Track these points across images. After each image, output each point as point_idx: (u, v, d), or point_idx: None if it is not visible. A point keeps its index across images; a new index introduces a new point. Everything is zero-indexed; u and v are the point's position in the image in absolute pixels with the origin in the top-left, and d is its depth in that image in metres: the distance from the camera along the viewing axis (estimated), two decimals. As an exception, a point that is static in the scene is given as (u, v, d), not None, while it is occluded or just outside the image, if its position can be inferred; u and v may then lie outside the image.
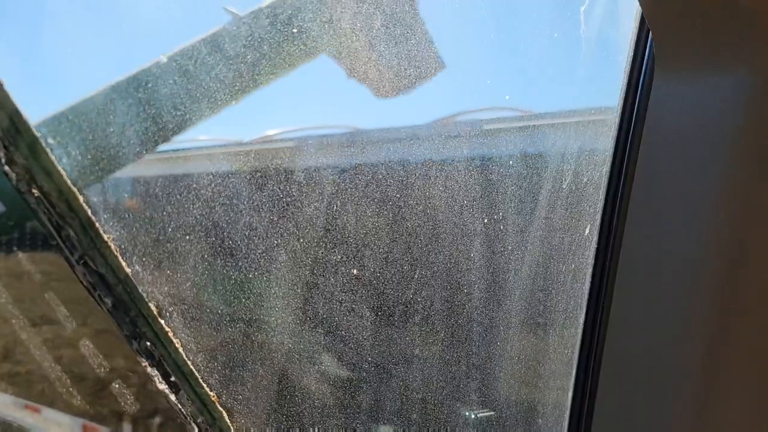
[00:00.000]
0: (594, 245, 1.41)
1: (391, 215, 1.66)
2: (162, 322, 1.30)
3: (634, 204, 1.23)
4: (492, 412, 1.68)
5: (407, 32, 1.66)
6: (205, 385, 1.38)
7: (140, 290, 1.25)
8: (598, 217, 1.40)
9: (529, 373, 1.69)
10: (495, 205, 1.65)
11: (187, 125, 1.43)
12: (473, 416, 1.69)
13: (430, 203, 1.67)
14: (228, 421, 1.43)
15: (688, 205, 1.08)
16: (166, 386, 1.31)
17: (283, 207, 1.58)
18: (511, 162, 1.67)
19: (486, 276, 1.65)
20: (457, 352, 1.69)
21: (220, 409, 1.41)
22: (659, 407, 1.19)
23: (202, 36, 1.44)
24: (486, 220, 1.63)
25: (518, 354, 1.67)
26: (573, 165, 1.56)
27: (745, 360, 1.09)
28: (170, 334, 1.32)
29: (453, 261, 1.68)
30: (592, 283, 1.45)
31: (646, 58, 1.28)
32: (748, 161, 1.00)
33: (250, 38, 1.46)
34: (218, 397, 1.39)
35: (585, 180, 1.47)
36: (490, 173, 1.70)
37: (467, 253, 1.67)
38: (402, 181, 1.67)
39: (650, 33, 1.21)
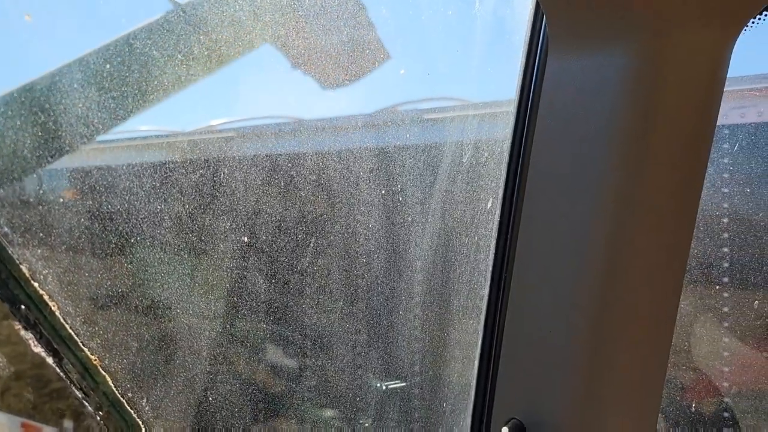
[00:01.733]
0: (497, 218, 1.47)
1: (307, 199, 1.67)
2: (36, 284, 1.26)
3: (532, 179, 1.29)
4: (401, 383, 1.73)
5: (351, 21, 1.66)
6: (86, 349, 1.34)
7: (10, 252, 1.20)
8: (500, 191, 1.46)
9: (435, 344, 1.75)
10: (400, 184, 1.69)
11: (125, 116, 1.39)
12: (383, 387, 1.73)
13: (344, 186, 1.69)
14: (112, 385, 1.40)
15: (579, 179, 1.14)
16: (43, 349, 1.27)
17: (188, 186, 1.56)
18: (419, 144, 1.72)
19: (392, 248, 1.69)
20: (361, 325, 1.73)
21: (103, 373, 1.38)
22: (556, 372, 1.25)
23: (143, 24, 1.40)
24: (393, 198, 1.67)
25: (424, 325, 1.73)
26: (473, 146, 1.62)
27: (629, 324, 1.17)
28: (45, 297, 1.28)
29: (359, 237, 1.71)
30: (495, 254, 1.50)
31: (541, 38, 1.33)
32: (619, 141, 1.08)
33: (191, 27, 1.43)
34: (101, 360, 1.37)
35: (486, 156, 1.52)
36: (399, 156, 1.74)
37: (372, 229, 1.70)
38: (321, 167, 1.68)
39: (543, 12, 1.26)
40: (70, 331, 1.31)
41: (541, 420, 1.26)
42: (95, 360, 1.35)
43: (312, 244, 1.67)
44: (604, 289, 1.16)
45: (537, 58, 1.36)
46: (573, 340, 1.20)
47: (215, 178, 1.59)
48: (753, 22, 1.20)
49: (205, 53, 1.47)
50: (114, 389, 1.40)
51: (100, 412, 1.35)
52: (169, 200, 1.53)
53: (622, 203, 1.11)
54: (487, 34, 1.72)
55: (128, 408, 1.40)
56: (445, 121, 1.83)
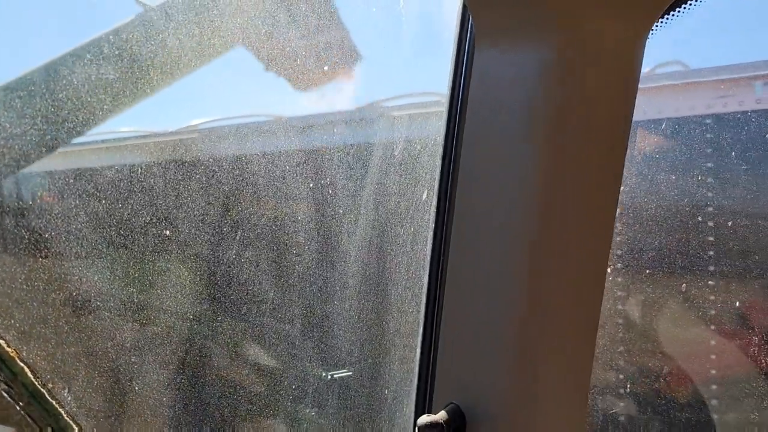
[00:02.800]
0: (433, 209, 1.50)
1: (239, 197, 1.67)
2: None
3: (463, 170, 1.32)
4: (345, 372, 1.76)
5: (323, 23, 1.66)
6: (1, 341, 1.31)
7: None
8: (436, 183, 1.49)
9: (376, 333, 1.78)
10: (329, 178, 1.71)
11: (100, 118, 1.37)
12: (327, 377, 1.76)
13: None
14: (31, 376, 1.38)
15: (506, 169, 1.18)
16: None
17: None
18: (351, 142, 1.75)
19: (326, 241, 1.71)
20: (301, 317, 1.75)
21: (21, 364, 1.36)
22: (491, 357, 1.29)
23: (113, 27, 1.38)
24: (323, 192, 1.68)
25: (363, 314, 1.76)
26: (405, 140, 1.66)
27: (558, 308, 1.22)
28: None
29: (292, 231, 1.72)
30: (433, 244, 1.53)
31: (469, 34, 1.37)
32: (539, 133, 1.13)
33: (163, 29, 1.41)
34: (18, 353, 1.34)
35: (419, 149, 1.56)
36: (329, 152, 1.76)
37: (304, 223, 1.71)
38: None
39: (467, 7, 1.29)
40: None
41: (479, 403, 1.29)
42: (12, 352, 1.33)
43: (245, 238, 1.67)
44: (532, 276, 1.21)
45: (466, 54, 1.39)
46: (506, 326, 1.24)
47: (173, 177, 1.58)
48: (665, 18, 1.27)
49: (176, 56, 1.46)
50: (33, 380, 1.38)
51: (20, 403, 1.33)
52: (88, 197, 1.51)
53: (545, 192, 1.16)
54: (418, 33, 1.76)
55: (48, 398, 1.39)
56: (378, 119, 1.86)
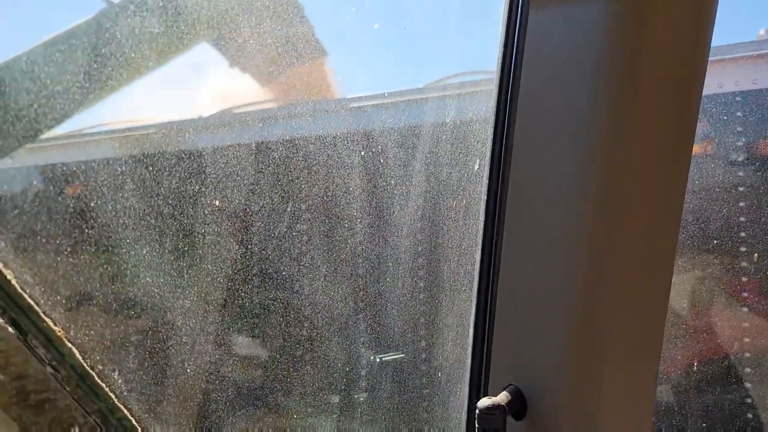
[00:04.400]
0: (485, 180, 1.42)
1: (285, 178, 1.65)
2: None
3: (518, 136, 1.24)
4: (395, 355, 1.71)
5: (289, 21, 1.63)
6: (47, 320, 1.29)
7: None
8: (488, 151, 1.41)
9: (428, 313, 1.72)
10: (380, 146, 1.68)
11: (62, 115, 1.37)
12: (377, 360, 1.71)
13: (314, 165, 1.68)
14: (80, 357, 1.35)
15: (566, 130, 1.10)
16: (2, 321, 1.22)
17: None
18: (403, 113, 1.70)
19: (378, 216, 1.67)
20: (351, 298, 1.71)
21: (69, 344, 1.33)
22: (551, 337, 1.23)
23: (77, 23, 1.36)
24: (375, 161, 1.65)
25: (414, 294, 1.70)
26: (456, 107, 1.59)
27: (622, 284, 1.14)
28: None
29: (344, 207, 1.69)
30: (486, 217, 1.46)
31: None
32: (606, 88, 1.03)
33: (126, 26, 1.39)
34: (65, 332, 1.32)
35: (470, 116, 1.48)
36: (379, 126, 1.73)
37: (355, 197, 1.68)
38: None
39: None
40: (29, 300, 1.25)
41: (540, 385, 1.23)
42: (59, 332, 1.30)
43: (297, 214, 1.64)
44: (596, 250, 1.13)
45: (519, 14, 1.30)
46: (567, 303, 1.17)
47: (173, 170, 1.57)
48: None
49: (142, 52, 1.44)
50: (82, 361, 1.35)
51: (68, 386, 1.30)
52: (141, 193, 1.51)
53: (610, 163, 1.07)
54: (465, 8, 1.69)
55: (98, 380, 1.36)
56: (427, 90, 1.81)
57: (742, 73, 2.31)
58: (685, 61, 1.09)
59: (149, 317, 1.59)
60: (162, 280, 1.57)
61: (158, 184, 1.53)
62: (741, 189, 2.26)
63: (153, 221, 1.52)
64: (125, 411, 1.44)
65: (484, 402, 1.09)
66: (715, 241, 2.22)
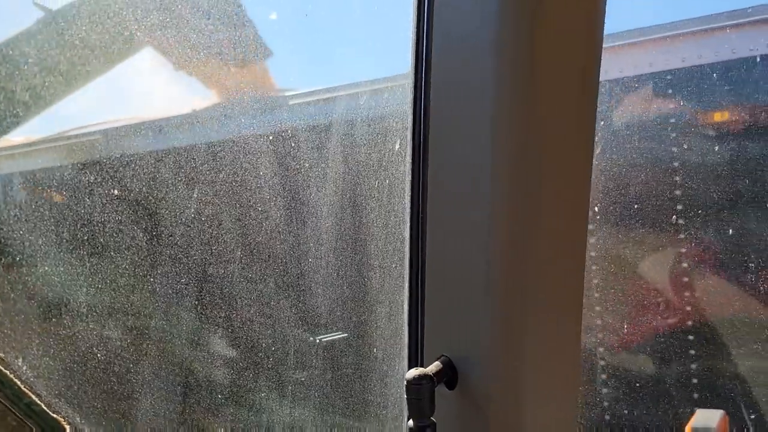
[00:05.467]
0: (408, 158, 1.45)
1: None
2: None
3: (434, 117, 1.27)
4: (334, 335, 1.73)
5: (232, 23, 1.62)
6: None
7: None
8: (408, 133, 1.43)
9: (360, 291, 1.74)
10: (290, 130, 1.69)
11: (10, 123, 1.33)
12: (318, 341, 1.73)
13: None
14: None
15: (478, 110, 1.13)
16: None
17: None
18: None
19: (294, 199, 1.68)
20: (281, 282, 1.71)
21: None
22: (478, 308, 1.26)
23: (14, 33, 1.32)
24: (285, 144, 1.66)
25: (343, 273, 1.71)
26: (371, 86, 1.60)
27: (543, 254, 1.19)
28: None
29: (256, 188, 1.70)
30: (411, 194, 1.49)
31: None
32: (506, 69, 1.07)
33: (65, 34, 1.35)
34: None
35: (386, 95, 1.50)
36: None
37: (266, 179, 1.69)
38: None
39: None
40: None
41: (469, 355, 1.27)
42: None
43: (222, 208, 1.64)
44: (513, 223, 1.17)
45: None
46: (491, 275, 1.20)
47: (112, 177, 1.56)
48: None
49: (82, 60, 1.41)
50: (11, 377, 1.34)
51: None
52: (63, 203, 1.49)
53: (521, 133, 1.11)
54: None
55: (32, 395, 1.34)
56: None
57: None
58: (581, 45, 1.14)
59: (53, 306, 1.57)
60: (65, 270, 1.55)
61: (102, 189, 1.51)
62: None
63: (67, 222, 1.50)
64: (33, 396, 1.42)
65: (411, 373, 1.12)
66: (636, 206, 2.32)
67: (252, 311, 1.73)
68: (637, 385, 2.37)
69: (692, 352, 2.39)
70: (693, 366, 2.37)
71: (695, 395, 2.34)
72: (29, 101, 1.36)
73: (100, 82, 1.52)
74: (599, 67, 1.19)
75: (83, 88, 1.49)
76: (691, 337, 2.39)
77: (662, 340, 2.38)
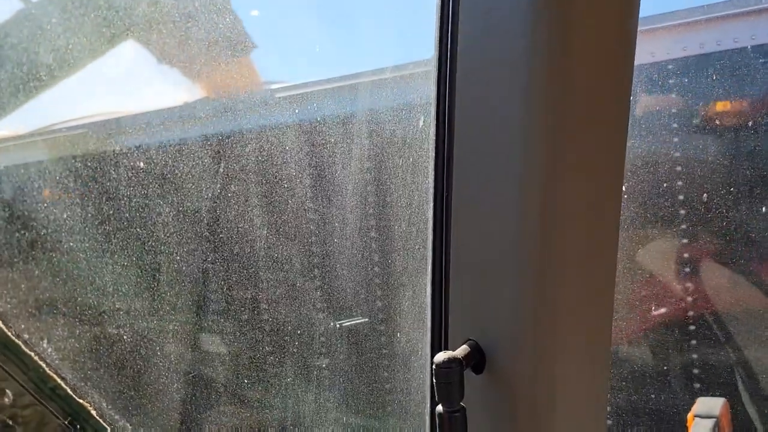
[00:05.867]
0: (432, 136, 1.41)
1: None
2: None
3: (460, 92, 1.23)
4: (355, 320, 1.70)
5: (216, 16, 1.59)
6: None
7: None
8: (432, 108, 1.40)
9: (382, 274, 1.71)
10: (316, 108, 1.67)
11: None
12: (338, 326, 1.70)
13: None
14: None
15: (506, 84, 1.09)
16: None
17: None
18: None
19: (318, 176, 1.66)
20: (304, 266, 1.69)
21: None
22: (506, 291, 1.23)
23: None
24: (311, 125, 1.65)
25: (366, 255, 1.68)
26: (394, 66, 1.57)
27: (573, 236, 1.15)
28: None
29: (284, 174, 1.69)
30: (435, 174, 1.45)
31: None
32: (537, 60, 1.03)
33: (46, 26, 1.33)
34: None
35: (410, 71, 1.46)
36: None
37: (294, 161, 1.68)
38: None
39: None
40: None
41: (497, 338, 1.24)
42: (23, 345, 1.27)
43: (248, 194, 1.62)
44: (545, 203, 1.13)
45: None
46: (520, 255, 1.17)
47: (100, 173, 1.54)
48: None
49: (64, 53, 1.38)
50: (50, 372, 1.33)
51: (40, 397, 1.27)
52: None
53: (554, 116, 1.07)
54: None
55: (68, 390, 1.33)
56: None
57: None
58: (615, 27, 1.09)
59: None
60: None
61: (89, 184, 1.50)
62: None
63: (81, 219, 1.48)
64: (58, 380, 1.41)
65: (440, 356, 1.08)
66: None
67: (275, 295, 1.71)
68: (643, 373, 2.35)
69: (693, 342, 2.38)
70: (695, 355, 2.36)
71: (697, 384, 2.33)
72: (7, 95, 1.34)
73: (82, 75, 1.50)
74: (634, 51, 1.15)
75: (63, 82, 1.46)
76: (692, 328, 2.37)
77: (665, 330, 2.36)
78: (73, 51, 1.39)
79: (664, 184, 2.29)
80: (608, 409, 2.36)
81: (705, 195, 2.30)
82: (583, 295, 1.24)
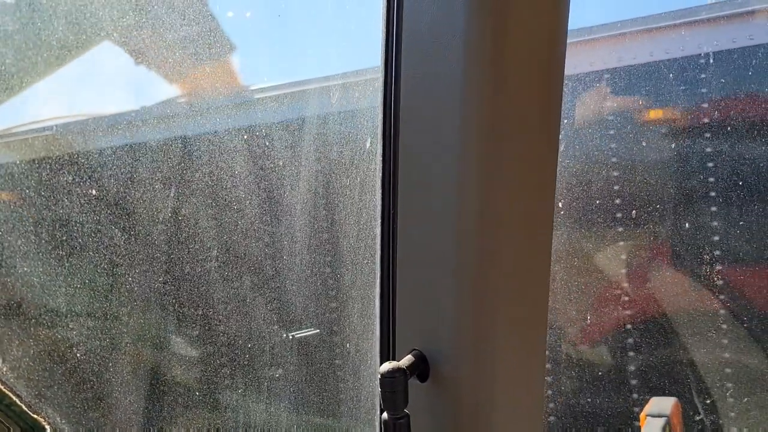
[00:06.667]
0: (379, 156, 1.47)
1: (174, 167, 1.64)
2: None
3: (405, 112, 1.29)
4: (307, 331, 1.74)
5: (194, 16, 1.60)
6: None
7: None
8: (379, 130, 1.45)
9: (332, 288, 1.76)
10: (264, 129, 1.69)
11: None
12: (290, 337, 1.74)
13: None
14: None
15: (445, 109, 1.15)
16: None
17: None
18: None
19: (267, 196, 1.69)
20: (255, 280, 1.72)
21: None
22: (447, 303, 1.28)
23: None
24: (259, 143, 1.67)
25: (316, 270, 1.73)
26: (342, 87, 1.62)
27: (509, 250, 1.22)
28: None
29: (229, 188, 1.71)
30: (382, 192, 1.50)
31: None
32: (473, 65, 1.10)
33: (20, 26, 1.33)
34: None
35: (357, 95, 1.52)
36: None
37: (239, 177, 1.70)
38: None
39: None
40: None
41: (441, 348, 1.29)
42: None
43: (196, 206, 1.64)
44: (483, 215, 1.20)
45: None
46: (461, 268, 1.23)
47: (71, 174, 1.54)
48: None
49: (40, 53, 1.39)
50: None
51: None
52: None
53: (489, 128, 1.14)
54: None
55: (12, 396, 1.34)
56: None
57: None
58: (547, 39, 1.17)
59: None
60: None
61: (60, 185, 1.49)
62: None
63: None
64: (13, 397, 1.41)
65: (385, 366, 1.14)
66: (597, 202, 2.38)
67: (226, 309, 1.73)
68: (597, 374, 2.44)
69: (648, 342, 2.47)
70: (648, 356, 2.45)
71: (650, 384, 2.42)
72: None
73: (57, 76, 1.50)
74: (564, 61, 1.22)
75: (38, 83, 1.46)
76: (646, 329, 2.47)
77: (619, 331, 2.45)
78: (48, 52, 1.40)
79: (594, 187, 2.39)
80: (567, 411, 2.44)
81: (638, 200, 2.40)
82: (519, 303, 1.31)
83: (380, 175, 1.49)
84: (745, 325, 2.31)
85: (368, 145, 1.52)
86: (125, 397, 1.62)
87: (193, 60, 1.65)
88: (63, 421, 1.47)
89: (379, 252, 1.54)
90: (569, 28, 1.17)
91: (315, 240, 1.72)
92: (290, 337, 1.76)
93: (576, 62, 2.41)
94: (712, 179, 2.32)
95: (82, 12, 1.42)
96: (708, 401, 2.34)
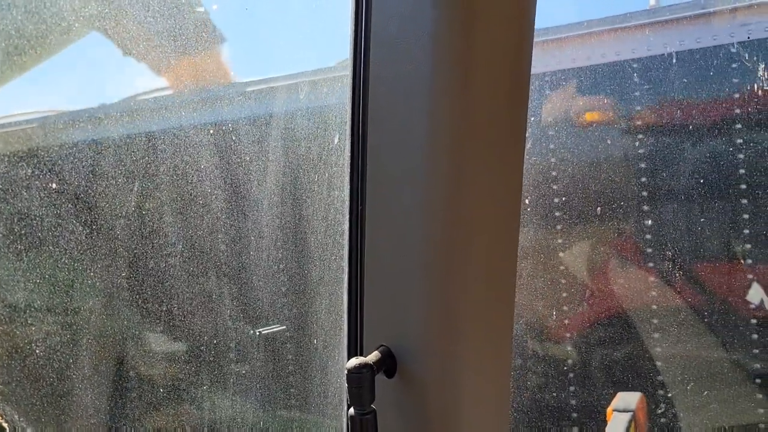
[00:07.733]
0: (347, 152, 1.46)
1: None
2: None
3: (373, 109, 1.29)
4: (275, 327, 1.74)
5: (159, 8, 1.58)
6: None
7: None
8: (347, 126, 1.45)
9: (299, 284, 1.76)
10: (231, 123, 1.68)
11: None
12: (258, 333, 1.73)
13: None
14: None
15: (415, 105, 1.16)
16: None
17: None
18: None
19: (233, 191, 1.68)
20: (221, 277, 1.71)
21: None
22: (414, 299, 1.29)
23: None
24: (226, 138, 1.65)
25: (284, 266, 1.72)
26: (310, 83, 1.61)
27: (476, 248, 1.23)
28: None
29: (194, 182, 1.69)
30: (351, 188, 1.50)
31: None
32: (440, 63, 1.11)
33: (6, 17, 1.29)
34: None
35: (326, 92, 1.51)
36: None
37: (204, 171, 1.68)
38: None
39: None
40: None
41: (408, 344, 1.30)
42: None
43: (162, 202, 1.62)
44: (450, 212, 1.20)
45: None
46: (428, 263, 1.23)
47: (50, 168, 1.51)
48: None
49: (27, 44, 1.36)
50: None
51: None
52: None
53: (456, 126, 1.15)
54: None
55: None
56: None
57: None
58: (513, 38, 1.18)
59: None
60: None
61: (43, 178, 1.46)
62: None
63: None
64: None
65: (352, 362, 1.14)
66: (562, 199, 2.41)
67: (192, 305, 1.72)
68: (563, 369, 2.47)
69: (613, 338, 2.52)
70: (614, 352, 2.49)
71: (616, 379, 2.47)
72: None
73: (43, 68, 1.47)
74: (531, 59, 1.24)
75: (25, 74, 1.43)
76: (611, 325, 2.51)
77: (586, 327, 2.49)
78: (35, 43, 1.37)
79: (559, 185, 2.42)
80: (534, 406, 2.47)
81: (602, 197, 2.44)
82: (485, 300, 1.32)
83: (349, 171, 1.48)
84: (705, 320, 2.36)
85: (336, 141, 1.52)
86: (86, 394, 1.59)
87: (159, 54, 1.62)
88: (21, 419, 1.44)
89: (347, 248, 1.54)
90: (536, 27, 1.19)
91: (282, 236, 1.71)
92: (257, 334, 1.75)
93: (544, 61, 2.44)
94: (672, 177, 2.36)
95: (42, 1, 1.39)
96: (670, 395, 2.39)
